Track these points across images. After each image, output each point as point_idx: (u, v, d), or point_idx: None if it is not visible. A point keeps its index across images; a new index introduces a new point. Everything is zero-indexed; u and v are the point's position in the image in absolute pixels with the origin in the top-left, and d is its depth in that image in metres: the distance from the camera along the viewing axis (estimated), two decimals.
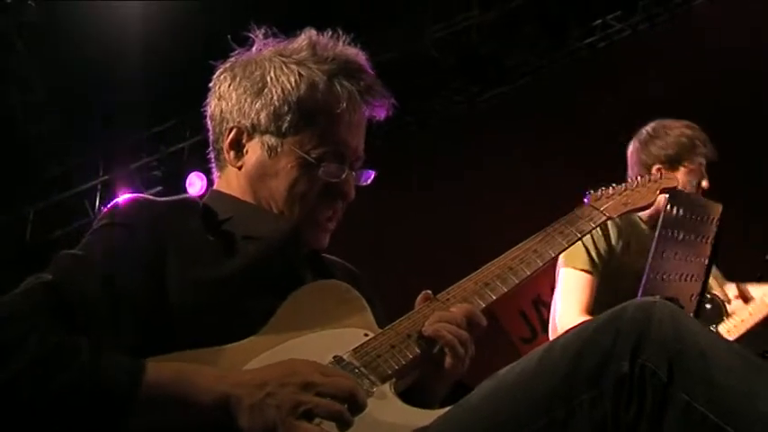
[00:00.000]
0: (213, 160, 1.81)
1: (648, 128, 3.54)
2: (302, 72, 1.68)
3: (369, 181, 1.79)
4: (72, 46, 5.16)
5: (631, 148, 3.58)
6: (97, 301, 1.42)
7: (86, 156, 6.33)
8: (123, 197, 1.66)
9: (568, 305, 3.13)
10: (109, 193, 6.37)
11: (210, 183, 1.80)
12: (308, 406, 1.28)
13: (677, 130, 3.49)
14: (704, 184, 3.46)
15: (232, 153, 1.73)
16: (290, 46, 1.74)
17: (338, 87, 1.69)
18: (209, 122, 1.79)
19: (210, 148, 1.80)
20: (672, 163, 3.43)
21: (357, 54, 1.75)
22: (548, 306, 3.49)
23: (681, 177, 3.42)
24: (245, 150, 1.72)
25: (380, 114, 1.78)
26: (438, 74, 6.20)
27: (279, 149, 1.68)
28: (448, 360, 1.55)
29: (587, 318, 3.17)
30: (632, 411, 1.17)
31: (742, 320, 3.25)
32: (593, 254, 3.24)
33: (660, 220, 2.52)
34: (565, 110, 5.85)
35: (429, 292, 1.68)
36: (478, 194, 5.97)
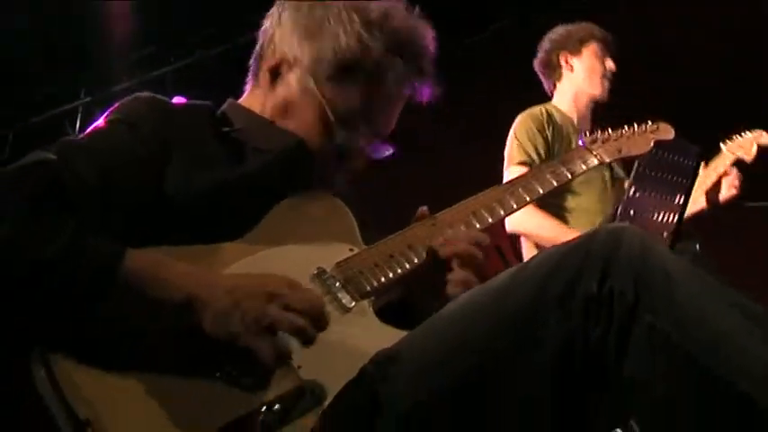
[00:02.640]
0: (251, 71, 1.82)
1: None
2: (363, 35, 1.67)
3: (384, 155, 1.78)
4: None
5: (537, 64, 3.75)
6: (91, 189, 1.43)
7: (68, 79, 6.24)
8: (135, 95, 1.68)
9: None
10: (90, 116, 6.30)
11: None
12: (272, 319, 1.29)
13: (570, 25, 3.68)
14: (609, 64, 3.58)
15: (268, 77, 1.74)
16: (365, 2, 1.71)
17: (391, 63, 1.68)
18: (260, 34, 1.80)
19: (253, 58, 1.81)
20: (574, 45, 3.60)
21: (426, 33, 1.74)
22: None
23: (587, 58, 3.58)
24: (280, 79, 1.73)
25: (422, 98, 1.78)
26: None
27: (311, 94, 1.69)
28: (456, 275, 1.60)
29: (536, 209, 3.26)
30: (599, 330, 1.21)
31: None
32: (530, 149, 3.34)
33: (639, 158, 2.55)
34: None
35: (425, 208, 1.71)
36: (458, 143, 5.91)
